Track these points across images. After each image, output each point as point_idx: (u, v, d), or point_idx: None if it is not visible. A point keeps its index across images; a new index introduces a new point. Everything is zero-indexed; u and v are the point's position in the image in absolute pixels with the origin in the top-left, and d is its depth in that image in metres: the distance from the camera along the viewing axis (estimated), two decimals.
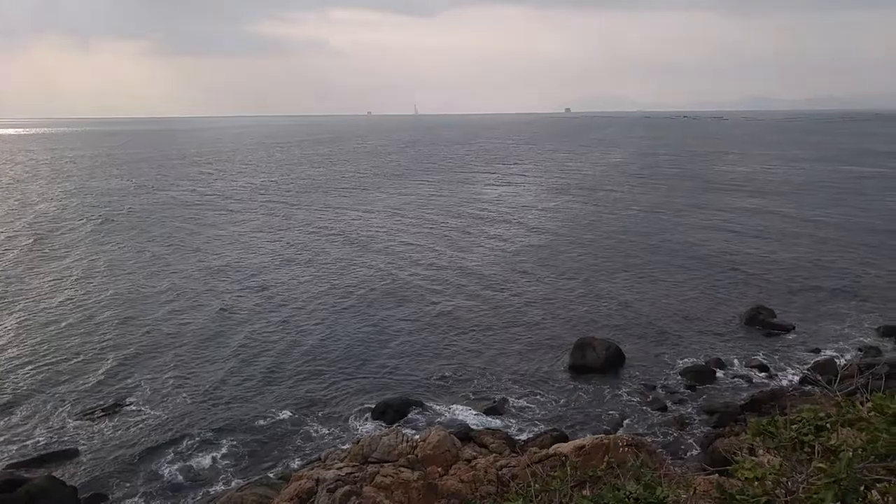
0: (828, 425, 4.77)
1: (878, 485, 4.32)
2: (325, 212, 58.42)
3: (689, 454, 18.26)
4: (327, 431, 19.84)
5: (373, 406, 21.04)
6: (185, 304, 31.33)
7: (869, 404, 5.14)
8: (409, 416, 20.65)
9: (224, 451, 18.70)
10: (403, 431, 16.76)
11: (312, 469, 14.62)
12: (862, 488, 4.21)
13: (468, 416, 20.74)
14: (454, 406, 21.38)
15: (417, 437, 16.41)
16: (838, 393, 6.15)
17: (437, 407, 21.36)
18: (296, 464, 17.83)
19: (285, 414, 20.71)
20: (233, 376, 23.36)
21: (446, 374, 23.76)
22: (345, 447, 17.41)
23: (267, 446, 18.92)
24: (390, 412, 20.52)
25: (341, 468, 13.58)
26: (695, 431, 19.39)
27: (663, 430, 19.62)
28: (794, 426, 4.77)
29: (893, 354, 23.45)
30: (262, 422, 20.24)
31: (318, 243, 44.87)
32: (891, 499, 4.20)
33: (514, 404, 21.48)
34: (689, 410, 20.72)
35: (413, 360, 25.05)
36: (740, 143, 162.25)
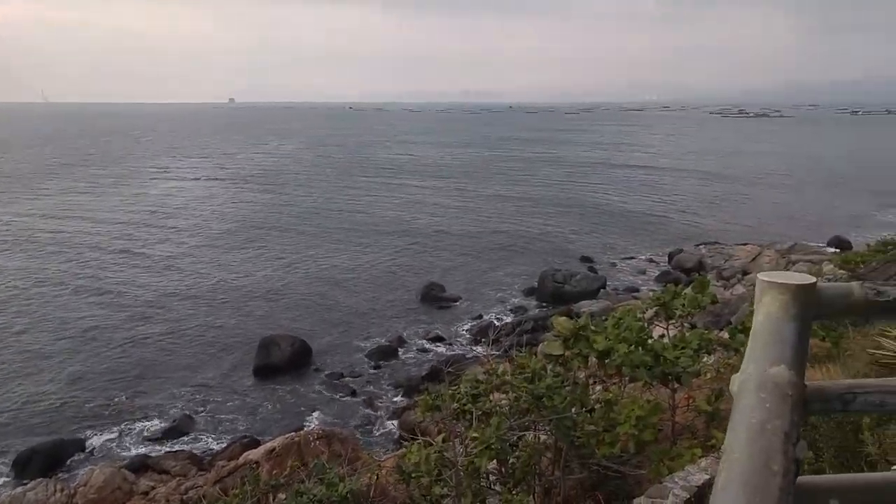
0: (481, 391, 5.11)
1: (521, 440, 4.98)
2: None
3: (381, 432, 18.95)
4: None
5: (13, 458, 17.03)
6: None
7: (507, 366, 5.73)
8: (69, 461, 17.32)
9: None
10: (58, 480, 13.93)
11: None
12: (509, 445, 4.74)
13: (145, 443, 18.40)
14: (126, 436, 18.76)
15: (75, 483, 13.88)
16: (490, 357, 6.73)
17: (106, 441, 18.48)
18: None
19: None
20: None
21: (116, 399, 20.75)
22: None
23: None
24: (38, 461, 16.82)
25: None
26: (385, 409, 20.21)
27: (355, 415, 20.00)
28: (456, 397, 5.05)
29: (536, 311, 27.82)
30: None
31: None
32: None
33: (200, 419, 19.76)
34: (377, 390, 21.51)
35: (68, 389, 21.24)
36: (397, 132, 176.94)
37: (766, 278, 1.94)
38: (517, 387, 4.94)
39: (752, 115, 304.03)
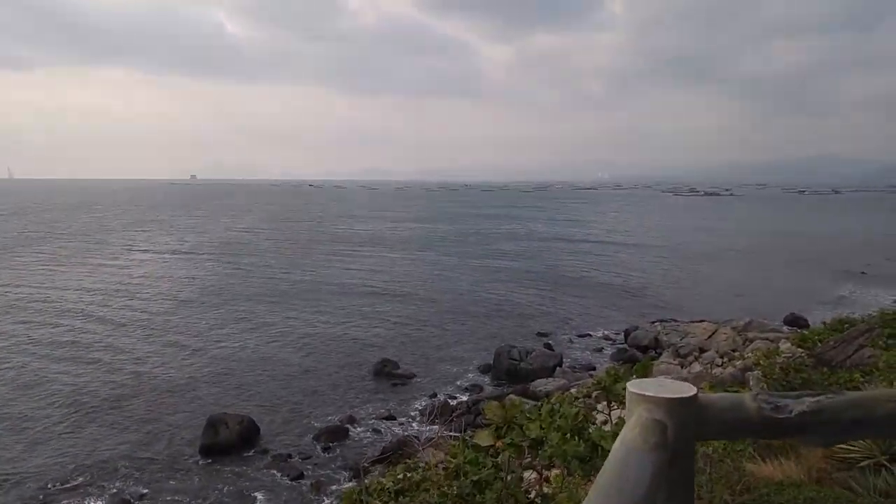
0: (404, 487, 4.74)
1: None
2: None
3: None
4: None
5: None
6: None
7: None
8: None
9: None
10: None
11: None
12: None
13: None
14: None
15: None
16: (438, 438, 6.24)
17: None
18: None
19: None
20: None
21: (55, 476, 19.48)
22: None
23: None
24: None
25: None
26: (331, 494, 19.14)
27: (299, 499, 18.97)
28: (380, 494, 4.68)
29: (491, 389, 27.16)
30: None
31: None
32: None
33: (140, 502, 18.47)
34: (324, 472, 20.52)
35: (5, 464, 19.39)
36: (357, 207, 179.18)
37: (635, 389, 1.61)
38: (440, 484, 4.59)
39: (702, 193, 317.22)
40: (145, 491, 19.19)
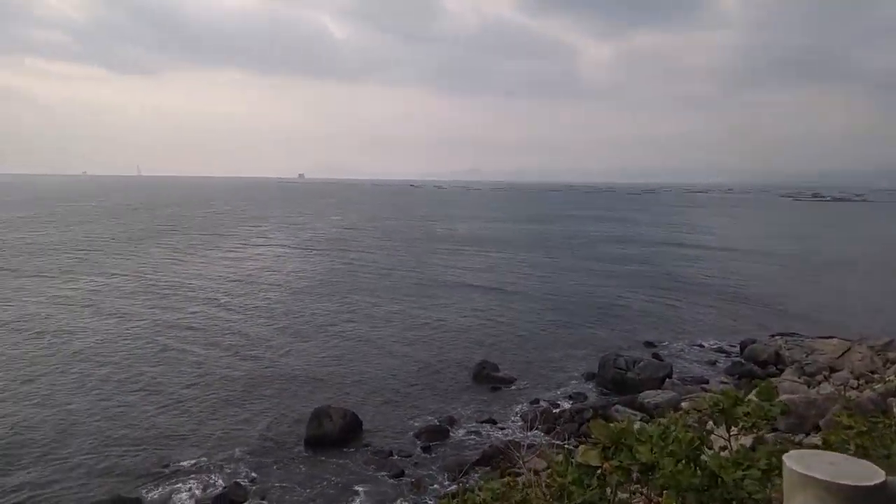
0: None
1: None
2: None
3: None
4: None
5: None
6: None
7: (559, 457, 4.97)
8: None
9: None
10: None
11: None
12: None
13: None
14: (177, 497, 18.48)
15: None
16: (545, 447, 5.82)
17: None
18: None
19: None
20: None
21: (170, 458, 20.68)
22: None
23: None
24: None
25: None
26: (431, 495, 19.01)
27: (399, 497, 18.96)
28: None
29: (596, 397, 26.13)
30: None
31: None
32: None
33: (250, 487, 19.18)
34: (424, 473, 20.42)
35: (124, 441, 21.12)
36: (457, 207, 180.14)
37: (798, 467, 1.08)
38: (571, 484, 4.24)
39: (829, 198, 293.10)
40: (255, 475, 19.95)
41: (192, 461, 20.63)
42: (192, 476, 19.78)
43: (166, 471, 20.03)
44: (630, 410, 22.22)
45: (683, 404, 22.01)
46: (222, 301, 44.06)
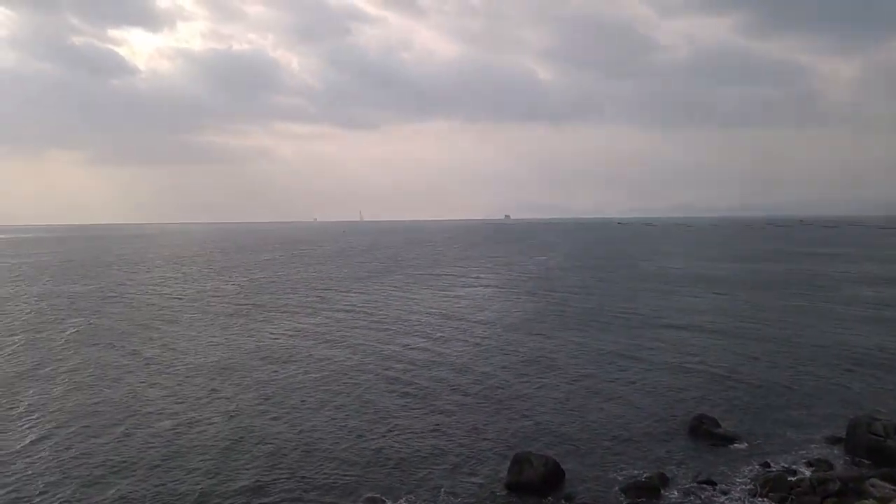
0: None
1: None
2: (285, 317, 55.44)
3: None
4: None
5: None
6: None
7: None
8: None
9: None
10: None
11: None
12: None
13: None
14: None
15: None
16: None
17: None
18: None
19: None
20: None
21: (380, 486, 20.88)
22: None
23: None
24: None
25: None
26: None
27: None
28: None
29: (844, 467, 22.01)
30: None
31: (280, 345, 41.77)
32: None
33: None
34: None
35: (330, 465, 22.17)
36: (669, 244, 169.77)
37: None
38: None
39: None
40: None
41: (396, 488, 21.17)
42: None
43: (373, 493, 20.64)
44: (890, 486, 18.38)
45: None
46: (436, 336, 46.42)
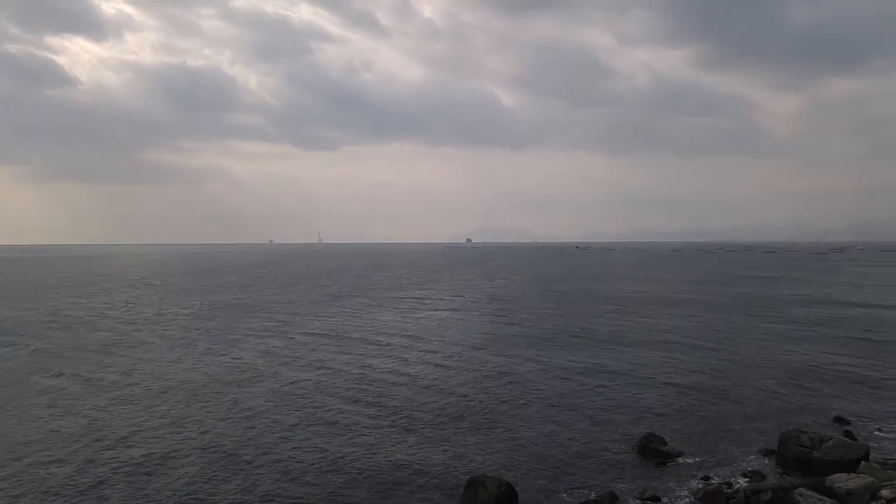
0: None
1: None
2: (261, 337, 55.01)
3: None
4: None
5: None
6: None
7: None
8: None
9: None
10: None
11: None
12: None
13: None
14: None
15: None
16: None
17: None
18: None
19: None
20: None
21: None
22: None
23: None
24: None
25: None
26: None
27: None
28: None
29: (776, 478, 23.57)
30: None
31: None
32: None
33: None
34: None
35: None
36: (626, 268, 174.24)
37: None
38: None
39: None
40: None
41: None
42: None
43: None
44: (817, 495, 19.84)
45: (884, 492, 19.28)
46: (400, 357, 47.20)
